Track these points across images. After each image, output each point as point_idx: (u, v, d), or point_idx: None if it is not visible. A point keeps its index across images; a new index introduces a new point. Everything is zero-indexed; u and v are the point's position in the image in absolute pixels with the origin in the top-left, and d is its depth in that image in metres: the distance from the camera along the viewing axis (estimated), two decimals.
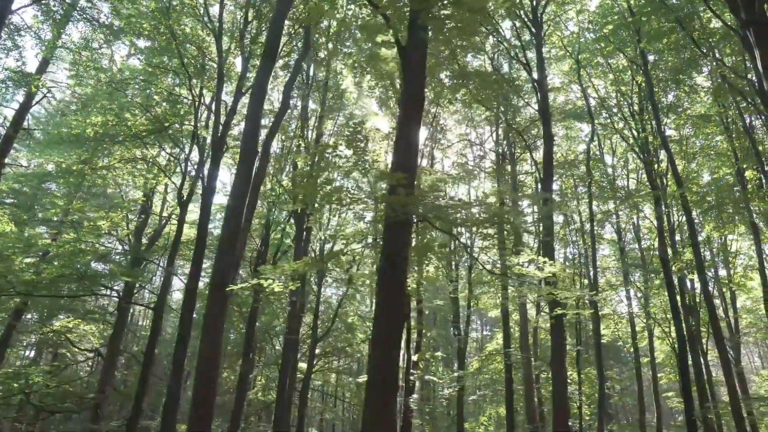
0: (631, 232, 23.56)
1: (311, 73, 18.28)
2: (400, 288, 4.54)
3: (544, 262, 6.77)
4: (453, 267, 21.89)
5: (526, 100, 17.01)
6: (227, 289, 5.74)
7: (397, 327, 4.36)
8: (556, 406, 10.51)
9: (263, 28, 13.44)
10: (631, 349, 23.21)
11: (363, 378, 22.85)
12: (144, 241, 18.70)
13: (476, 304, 26.03)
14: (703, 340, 19.28)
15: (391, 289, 4.47)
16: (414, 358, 15.43)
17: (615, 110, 19.63)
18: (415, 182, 5.50)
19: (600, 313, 22.05)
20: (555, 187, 24.41)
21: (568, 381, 22.61)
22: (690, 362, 16.62)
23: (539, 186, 15.74)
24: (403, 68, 5.46)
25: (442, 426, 24.29)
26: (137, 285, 18.30)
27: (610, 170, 23.07)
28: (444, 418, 25.17)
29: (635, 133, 18.37)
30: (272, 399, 24.83)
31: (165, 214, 21.60)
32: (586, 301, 17.83)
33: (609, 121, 19.88)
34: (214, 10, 14.17)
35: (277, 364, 20.20)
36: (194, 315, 12.22)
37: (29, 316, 20.07)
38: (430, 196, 5.17)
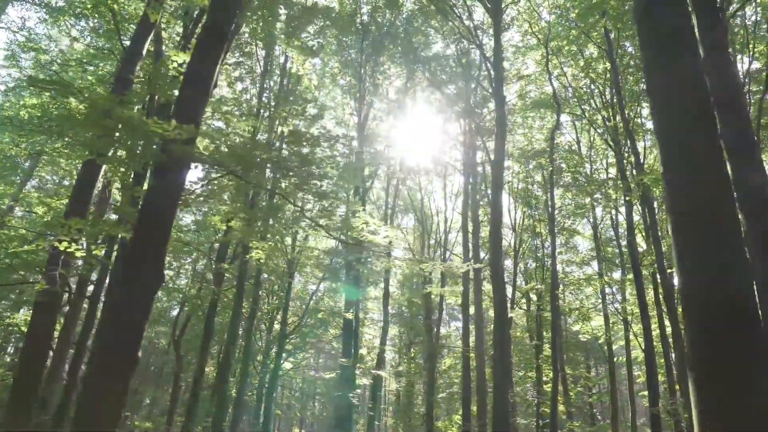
0: (611, 228, 22.93)
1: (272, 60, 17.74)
2: (157, 242, 4.01)
3: (367, 224, 6.24)
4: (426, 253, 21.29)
5: (479, 81, 16.44)
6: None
7: (146, 291, 3.83)
8: (495, 403, 9.97)
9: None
10: (614, 347, 22.64)
11: (330, 374, 22.35)
12: None
13: (456, 300, 25.42)
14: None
15: (141, 243, 3.96)
16: (361, 351, 14.88)
17: (587, 99, 19.05)
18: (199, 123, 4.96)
19: (566, 308, 21.39)
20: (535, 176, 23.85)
21: (543, 380, 22.13)
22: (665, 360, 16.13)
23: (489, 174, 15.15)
24: None
25: (415, 425, 23.72)
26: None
27: (587, 162, 22.41)
28: (418, 417, 24.58)
29: (607, 123, 17.79)
30: (250, 396, 24.34)
31: None
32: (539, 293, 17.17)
33: (581, 110, 19.30)
34: None
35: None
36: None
37: None
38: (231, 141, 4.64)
